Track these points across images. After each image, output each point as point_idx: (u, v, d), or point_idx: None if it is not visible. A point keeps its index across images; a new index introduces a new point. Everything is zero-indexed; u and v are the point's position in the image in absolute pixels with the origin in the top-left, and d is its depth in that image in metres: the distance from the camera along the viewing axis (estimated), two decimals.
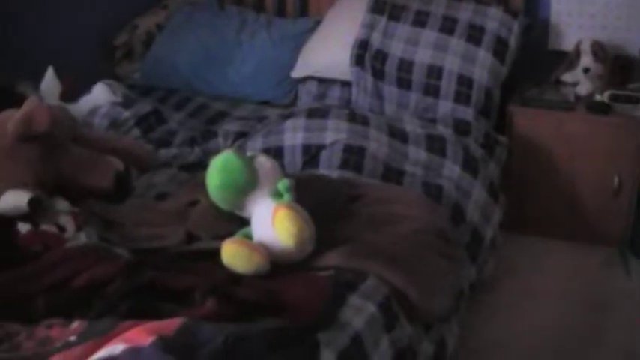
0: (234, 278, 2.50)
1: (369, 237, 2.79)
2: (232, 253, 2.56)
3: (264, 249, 2.58)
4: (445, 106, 3.94)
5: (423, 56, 3.99)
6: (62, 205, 2.86)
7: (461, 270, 3.01)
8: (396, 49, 4.06)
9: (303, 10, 4.87)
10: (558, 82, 4.25)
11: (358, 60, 4.12)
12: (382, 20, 4.17)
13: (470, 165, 3.52)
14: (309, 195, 2.84)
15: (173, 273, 2.51)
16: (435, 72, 3.96)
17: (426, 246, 2.82)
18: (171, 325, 2.13)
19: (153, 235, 2.89)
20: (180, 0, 4.95)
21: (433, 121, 3.84)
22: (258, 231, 2.69)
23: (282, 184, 2.76)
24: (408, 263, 2.69)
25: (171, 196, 3.20)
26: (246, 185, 2.75)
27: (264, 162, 2.87)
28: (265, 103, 4.38)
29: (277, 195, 2.75)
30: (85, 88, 3.97)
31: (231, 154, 2.77)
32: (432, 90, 3.96)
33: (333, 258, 2.65)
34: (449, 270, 2.83)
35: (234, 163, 2.75)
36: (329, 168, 3.34)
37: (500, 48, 4.03)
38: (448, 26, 4.06)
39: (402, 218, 2.94)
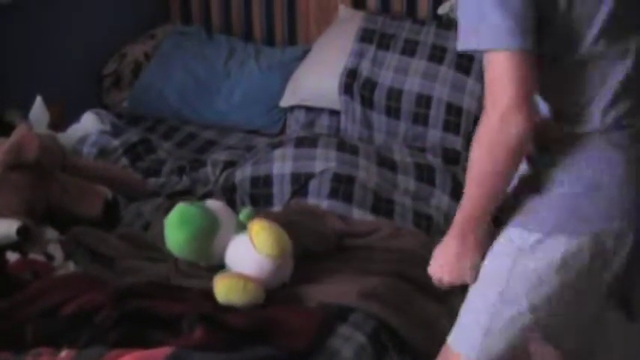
0: (224, 306, 2.49)
1: (358, 274, 2.80)
2: (226, 288, 2.55)
3: (255, 276, 2.58)
4: (434, 135, 3.94)
5: (412, 85, 4.00)
6: (51, 233, 2.86)
7: (450, 299, 3.01)
8: (385, 78, 4.06)
9: (291, 39, 4.87)
10: None
11: (347, 89, 4.12)
12: (371, 49, 4.18)
13: (459, 194, 3.49)
14: (298, 238, 2.86)
15: (162, 301, 2.50)
16: (424, 101, 3.96)
17: (415, 282, 2.82)
18: (160, 354, 2.13)
19: (138, 268, 2.89)
20: (169, 29, 4.96)
21: (422, 150, 3.84)
22: (238, 261, 2.68)
23: (243, 214, 2.77)
24: (398, 301, 2.70)
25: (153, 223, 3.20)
26: (211, 227, 2.74)
27: (214, 203, 2.89)
28: (254, 132, 4.38)
29: (242, 226, 2.75)
30: (74, 117, 3.97)
31: (182, 206, 2.76)
32: (421, 119, 3.97)
33: (323, 295, 2.65)
34: (438, 309, 2.83)
35: (191, 211, 2.75)
36: (318, 197, 3.33)
37: None
38: (437, 55, 4.07)
39: (392, 253, 2.95)
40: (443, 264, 2.26)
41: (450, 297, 2.98)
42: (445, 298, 2.90)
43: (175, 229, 2.72)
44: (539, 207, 2.11)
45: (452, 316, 2.96)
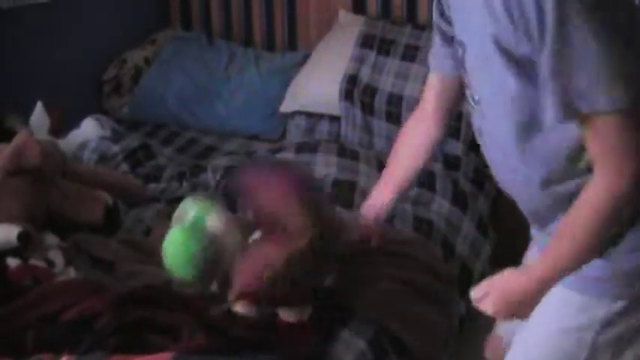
0: (226, 312, 2.49)
1: (354, 280, 2.79)
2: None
3: None
4: None
5: (412, 91, 3.99)
6: (51, 239, 2.85)
7: (451, 306, 3.00)
8: (385, 84, 4.06)
9: (291, 45, 4.87)
10: None
11: (347, 94, 4.12)
12: (371, 55, 4.18)
13: (459, 199, 3.52)
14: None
15: (162, 310, 2.49)
16: None
17: (418, 286, 2.82)
18: (160, 359, 2.12)
19: (139, 273, 2.89)
20: (169, 34, 4.96)
21: None
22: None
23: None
24: (398, 305, 2.70)
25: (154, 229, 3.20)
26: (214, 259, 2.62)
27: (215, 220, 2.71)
28: (254, 137, 4.38)
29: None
30: (74, 122, 3.97)
31: (175, 231, 2.62)
32: None
33: None
34: (439, 315, 2.83)
35: (182, 234, 2.62)
36: None
37: None
38: None
39: (394, 258, 2.95)
40: (499, 299, 2.13)
41: (452, 303, 2.99)
42: (445, 303, 2.91)
43: (178, 251, 2.59)
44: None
45: (452, 321, 2.97)
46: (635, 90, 1.76)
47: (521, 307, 2.09)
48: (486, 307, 2.13)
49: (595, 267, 1.98)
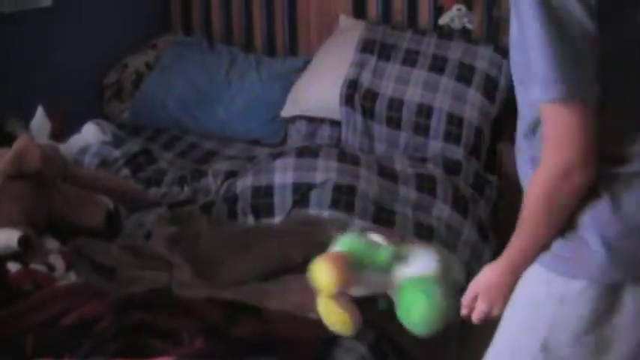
0: (228, 317, 2.49)
1: None
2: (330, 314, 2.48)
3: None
4: (435, 146, 3.95)
5: (412, 95, 4.00)
6: (52, 243, 2.85)
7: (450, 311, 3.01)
8: (386, 89, 4.07)
9: (292, 50, 4.88)
10: None
11: (348, 99, 4.12)
12: (372, 59, 4.18)
13: (460, 204, 3.52)
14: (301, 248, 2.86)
15: (163, 314, 2.49)
16: (424, 111, 3.97)
17: None
18: None
19: (139, 277, 2.89)
20: (170, 39, 4.96)
21: (423, 160, 3.84)
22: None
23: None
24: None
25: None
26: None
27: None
28: (255, 142, 4.38)
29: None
30: (75, 127, 3.97)
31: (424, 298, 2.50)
32: (421, 129, 3.97)
33: None
34: None
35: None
36: (319, 207, 3.33)
37: (490, 87, 4.04)
38: (438, 65, 4.08)
39: None
40: (486, 296, 2.20)
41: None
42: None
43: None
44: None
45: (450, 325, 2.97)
46: (569, 83, 1.80)
47: (505, 296, 2.15)
48: (481, 307, 2.19)
49: (559, 245, 2.01)
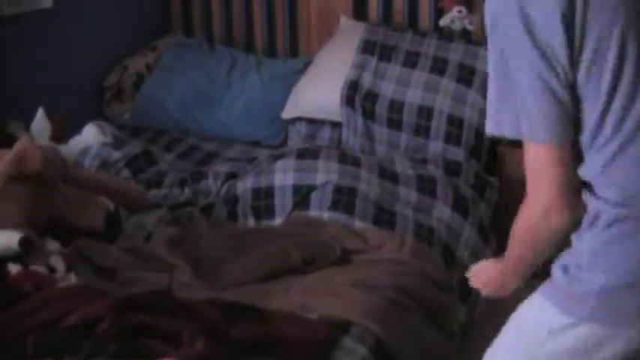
0: (229, 318, 2.49)
1: (360, 287, 2.79)
2: None
3: None
4: (436, 147, 3.95)
5: (413, 97, 4.00)
6: (52, 245, 2.85)
7: (450, 313, 3.01)
8: (387, 90, 4.07)
9: (293, 51, 4.88)
10: None
11: (348, 101, 4.12)
12: (373, 61, 4.18)
13: (460, 206, 3.52)
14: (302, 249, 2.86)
15: (163, 316, 2.49)
16: (425, 112, 3.97)
17: (415, 297, 2.82)
18: None
19: (139, 279, 2.89)
20: (170, 40, 4.96)
21: (424, 161, 3.84)
22: None
23: None
24: (388, 315, 2.70)
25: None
26: None
27: None
28: (255, 143, 4.38)
29: None
30: (75, 129, 3.97)
31: None
32: (422, 131, 3.97)
33: (325, 307, 2.66)
34: (437, 327, 2.84)
35: None
36: (320, 209, 3.33)
37: None
38: (439, 67, 4.08)
39: (394, 266, 2.95)
40: (487, 281, 2.36)
41: (451, 312, 2.99)
42: (444, 312, 2.92)
43: None
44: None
45: (448, 332, 2.98)
46: (535, 125, 1.87)
47: (498, 289, 2.32)
48: (477, 284, 2.38)
49: (557, 276, 2.03)
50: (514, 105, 1.91)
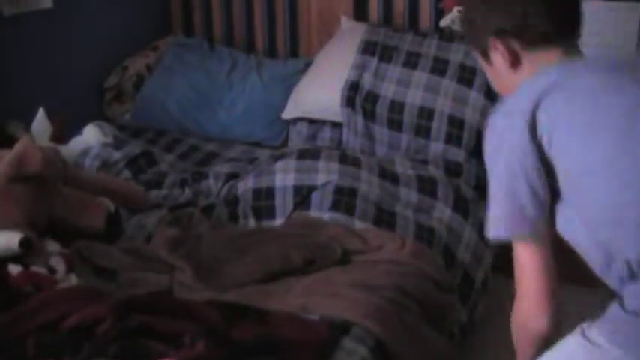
0: (229, 319, 2.49)
1: (360, 288, 2.79)
2: None
3: None
4: (436, 148, 3.94)
5: (414, 97, 4.00)
6: (53, 246, 2.85)
7: (451, 313, 3.01)
8: (387, 91, 4.06)
9: (293, 52, 4.88)
10: None
11: (349, 101, 4.12)
12: (373, 61, 4.18)
13: (461, 206, 3.51)
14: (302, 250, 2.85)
15: (163, 317, 2.49)
16: (426, 113, 3.96)
17: (410, 296, 2.82)
18: None
19: (140, 279, 2.89)
20: (171, 41, 4.96)
21: (424, 162, 3.83)
22: None
23: None
24: (389, 315, 2.69)
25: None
26: None
27: None
28: (256, 144, 4.38)
29: None
30: (76, 129, 3.96)
31: None
32: (423, 131, 3.96)
33: (326, 308, 2.65)
34: (438, 329, 2.84)
35: None
36: (320, 209, 3.33)
37: (491, 89, 4.02)
38: (439, 67, 4.07)
39: (395, 266, 2.94)
40: None
41: (451, 313, 2.99)
42: (444, 313, 2.91)
43: None
44: None
45: (448, 332, 2.97)
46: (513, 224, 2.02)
47: None
48: None
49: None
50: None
